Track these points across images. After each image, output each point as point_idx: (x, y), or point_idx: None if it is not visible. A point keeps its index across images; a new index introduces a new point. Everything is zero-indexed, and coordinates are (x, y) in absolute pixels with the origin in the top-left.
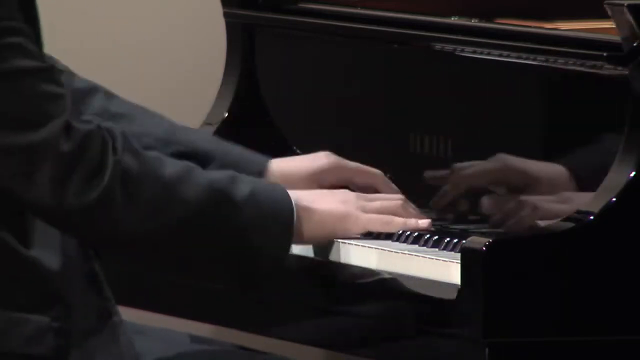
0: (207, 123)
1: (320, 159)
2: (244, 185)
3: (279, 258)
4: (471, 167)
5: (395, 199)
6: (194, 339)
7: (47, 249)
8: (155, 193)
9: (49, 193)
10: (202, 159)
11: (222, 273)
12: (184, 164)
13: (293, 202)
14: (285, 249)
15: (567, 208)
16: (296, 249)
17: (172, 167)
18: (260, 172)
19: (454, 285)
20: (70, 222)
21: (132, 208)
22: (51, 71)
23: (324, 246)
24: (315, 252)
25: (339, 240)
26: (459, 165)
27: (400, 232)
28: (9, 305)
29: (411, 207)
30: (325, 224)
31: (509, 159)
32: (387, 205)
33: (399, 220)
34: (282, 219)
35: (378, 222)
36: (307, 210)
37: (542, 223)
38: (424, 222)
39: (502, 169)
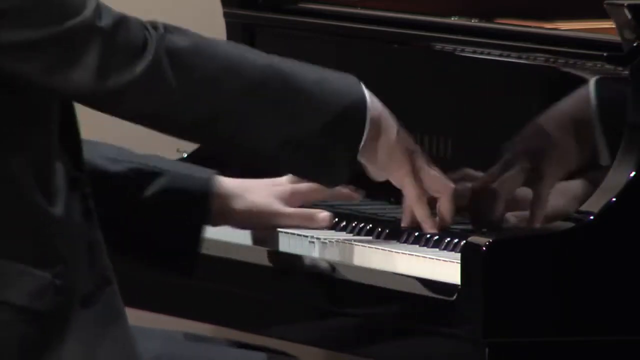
0: None
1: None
2: (310, 71)
3: (352, 146)
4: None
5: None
6: (189, 337)
7: (55, 210)
8: (209, 69)
9: (94, 74)
10: (153, 172)
11: (289, 153)
12: (240, 46)
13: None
14: (355, 143)
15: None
16: (296, 249)
17: (227, 45)
18: (210, 180)
19: (454, 285)
20: (121, 103)
21: (184, 83)
22: None
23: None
24: (315, 252)
25: (340, 240)
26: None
27: (401, 232)
28: (17, 257)
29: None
30: (385, 150)
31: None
32: (437, 181)
33: (425, 209)
34: (355, 108)
35: (413, 193)
36: (388, 127)
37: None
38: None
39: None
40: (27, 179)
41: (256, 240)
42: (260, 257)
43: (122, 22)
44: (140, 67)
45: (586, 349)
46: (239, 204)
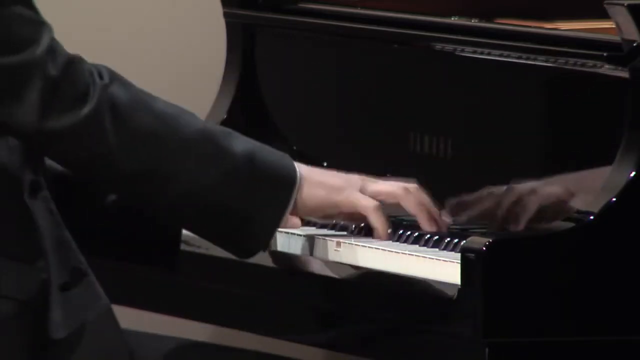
0: None
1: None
2: (242, 140)
3: (274, 218)
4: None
5: (393, 190)
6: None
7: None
8: (146, 123)
9: (37, 112)
10: None
11: (209, 219)
12: (176, 105)
13: (296, 166)
14: (280, 212)
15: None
16: (297, 249)
17: (164, 103)
18: None
19: (454, 285)
20: (58, 144)
21: (121, 135)
22: (27, 1)
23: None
24: (315, 252)
25: (340, 240)
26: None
27: (401, 232)
28: (5, 252)
29: (406, 203)
30: (317, 197)
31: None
32: (386, 190)
33: (380, 216)
34: (282, 178)
35: (363, 206)
36: (308, 177)
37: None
38: (388, 234)
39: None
40: (6, 175)
41: None
42: (260, 257)
43: (70, 65)
44: (82, 112)
45: (586, 349)
46: None
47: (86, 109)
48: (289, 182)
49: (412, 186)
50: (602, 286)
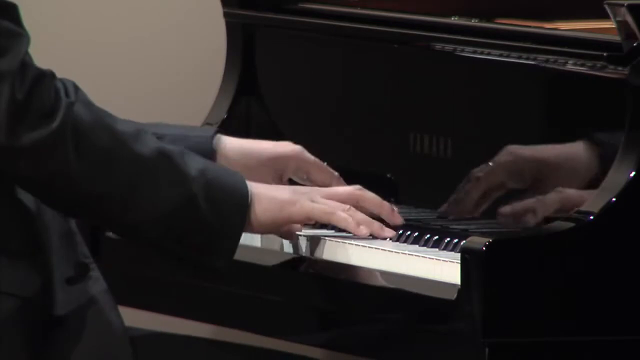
0: (207, 123)
1: (283, 146)
2: (196, 161)
3: (232, 237)
4: (484, 168)
5: (348, 192)
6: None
7: (28, 201)
8: (106, 145)
9: (4, 128)
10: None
11: (170, 240)
12: (136, 125)
13: (248, 185)
14: (238, 229)
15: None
16: (297, 249)
17: (124, 124)
18: (211, 141)
19: (454, 285)
20: (20, 160)
21: (80, 154)
22: (7, 10)
23: (318, 244)
24: (315, 252)
25: (340, 240)
26: (474, 170)
27: (401, 232)
28: (9, 247)
29: (366, 201)
30: (270, 211)
31: (519, 149)
32: (334, 201)
33: (342, 215)
34: (234, 201)
35: (320, 211)
36: (258, 194)
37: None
38: (365, 229)
39: (514, 161)
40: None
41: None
42: (260, 257)
43: (39, 81)
44: (47, 130)
45: (586, 349)
46: (246, 162)
47: (51, 127)
48: (243, 201)
49: (357, 190)
50: (602, 286)
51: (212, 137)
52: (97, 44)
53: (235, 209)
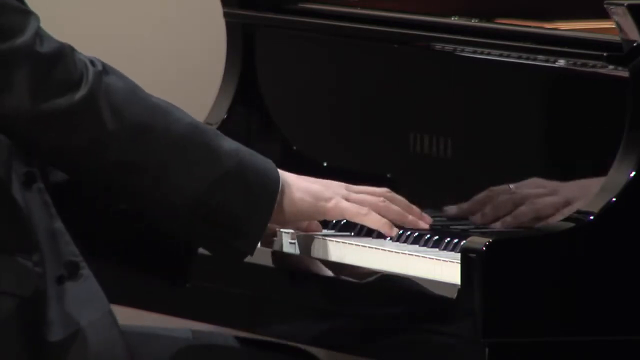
0: (207, 123)
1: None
2: (229, 140)
3: (261, 219)
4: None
5: (379, 193)
6: (195, 334)
7: (19, 201)
8: (141, 114)
9: (28, 96)
10: None
11: (198, 217)
12: (166, 101)
13: (279, 173)
14: (267, 212)
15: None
16: (297, 249)
17: (156, 98)
18: None
19: (454, 285)
20: (50, 129)
21: (116, 122)
22: None
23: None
24: (315, 252)
25: (340, 240)
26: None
27: (401, 232)
28: (1, 249)
29: (396, 204)
30: (304, 202)
31: (545, 182)
32: (369, 200)
33: (375, 216)
34: (265, 185)
35: (355, 212)
36: (290, 184)
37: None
38: (394, 230)
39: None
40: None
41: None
42: (260, 257)
43: (62, 52)
44: (77, 96)
45: (586, 349)
46: None
47: (81, 93)
48: (274, 186)
49: (387, 193)
50: (602, 286)
51: None
52: (97, 43)
53: (265, 192)
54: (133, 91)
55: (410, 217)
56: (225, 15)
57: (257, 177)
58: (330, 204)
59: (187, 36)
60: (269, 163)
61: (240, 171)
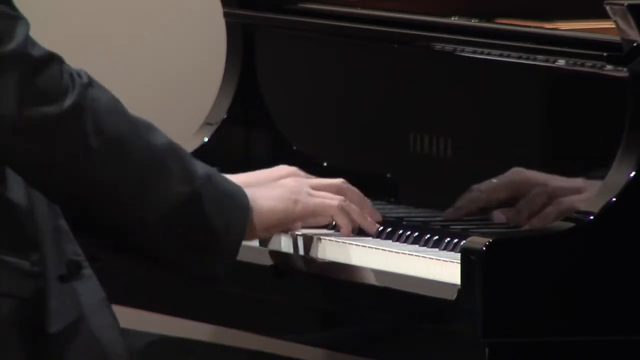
0: (207, 123)
1: (278, 170)
2: (200, 163)
3: (235, 240)
4: (488, 184)
5: (336, 185)
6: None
7: (20, 199)
8: (122, 130)
9: (16, 100)
10: None
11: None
12: (143, 118)
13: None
14: (240, 232)
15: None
16: (297, 249)
17: (135, 115)
18: None
19: (454, 285)
20: (33, 142)
21: (98, 136)
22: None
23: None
24: (315, 252)
25: (340, 240)
26: (476, 186)
27: (401, 232)
28: (1, 246)
29: (350, 196)
30: (277, 210)
31: (525, 172)
32: (327, 189)
33: (342, 213)
34: (238, 202)
35: (322, 205)
36: (257, 197)
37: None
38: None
39: (519, 181)
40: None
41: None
42: (260, 257)
43: (50, 60)
44: (65, 104)
45: (586, 349)
46: None
47: (68, 102)
48: (245, 204)
49: (343, 184)
50: (602, 286)
51: None
52: (97, 43)
53: (237, 212)
54: (115, 105)
55: (369, 219)
56: (225, 15)
57: (227, 196)
58: (299, 207)
59: (187, 36)
60: (234, 185)
61: (213, 191)
